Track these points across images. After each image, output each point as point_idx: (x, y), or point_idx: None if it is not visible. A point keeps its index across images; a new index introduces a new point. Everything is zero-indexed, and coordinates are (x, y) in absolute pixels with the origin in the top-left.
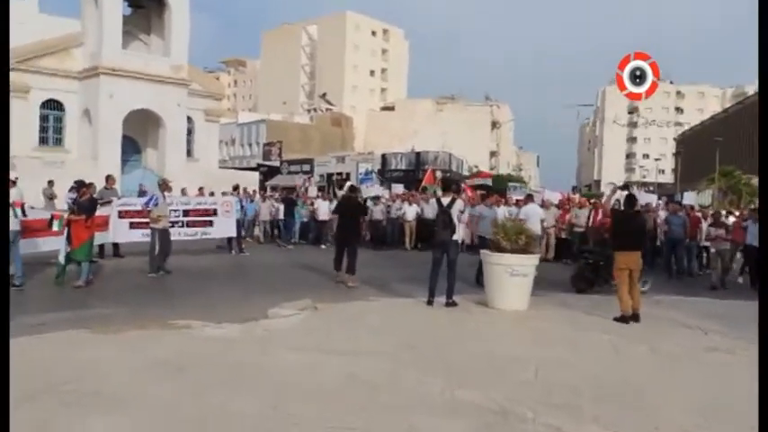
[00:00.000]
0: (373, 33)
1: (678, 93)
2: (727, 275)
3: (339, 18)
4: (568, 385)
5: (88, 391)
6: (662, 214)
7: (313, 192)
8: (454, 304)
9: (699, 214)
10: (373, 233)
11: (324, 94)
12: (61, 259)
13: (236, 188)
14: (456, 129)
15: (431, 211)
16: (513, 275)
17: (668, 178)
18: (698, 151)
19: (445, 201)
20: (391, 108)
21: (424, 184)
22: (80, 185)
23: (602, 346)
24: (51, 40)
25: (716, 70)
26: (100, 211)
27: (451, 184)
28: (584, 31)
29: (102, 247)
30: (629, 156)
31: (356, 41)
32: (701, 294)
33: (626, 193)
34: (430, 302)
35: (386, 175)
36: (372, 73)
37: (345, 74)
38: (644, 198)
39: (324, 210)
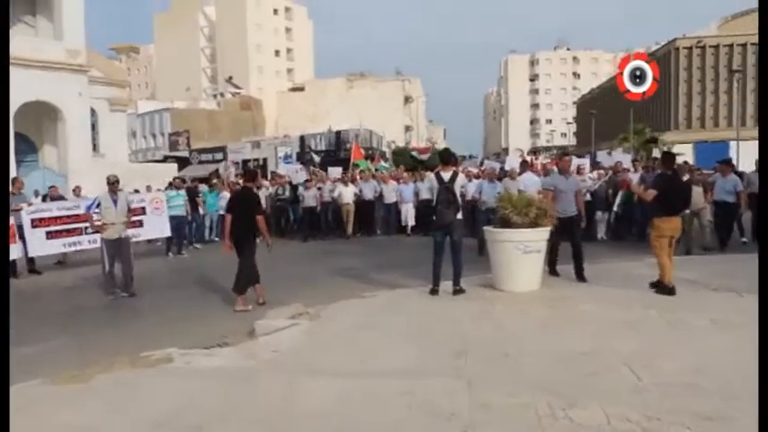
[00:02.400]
0: (275, 11)
1: (574, 58)
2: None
3: None
4: (684, 385)
5: None
6: (632, 176)
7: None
8: (462, 291)
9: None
10: (308, 221)
11: (230, 78)
12: None
13: (173, 181)
14: (369, 105)
15: (426, 190)
16: (526, 252)
17: (571, 141)
18: (599, 113)
19: (446, 175)
20: (301, 88)
21: (353, 160)
22: None
23: (662, 325)
24: None
25: (607, 35)
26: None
27: (451, 156)
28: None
29: (13, 263)
30: (533, 122)
31: (258, 20)
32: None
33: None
34: (434, 291)
35: (306, 157)
36: (278, 53)
37: (249, 55)
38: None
39: None
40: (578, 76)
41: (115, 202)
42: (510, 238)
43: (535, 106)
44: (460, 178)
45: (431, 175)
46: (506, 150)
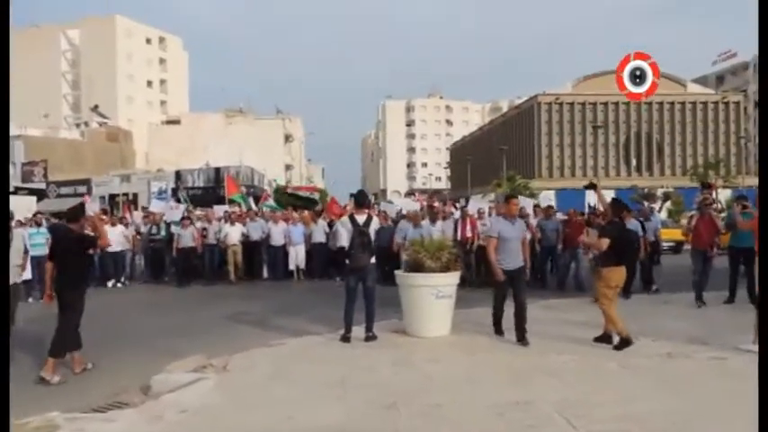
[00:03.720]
0: (148, 41)
1: (447, 107)
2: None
3: (107, 23)
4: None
5: None
6: (533, 220)
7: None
8: (374, 337)
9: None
10: (185, 265)
11: (95, 107)
12: None
13: (34, 216)
14: (249, 143)
15: (320, 233)
16: (439, 297)
17: (447, 185)
18: (473, 159)
19: (361, 219)
20: (177, 122)
21: (228, 196)
22: None
23: (577, 369)
24: None
25: (475, 87)
26: None
27: (365, 198)
28: (367, 47)
29: None
30: (410, 165)
31: (129, 49)
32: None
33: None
34: (346, 338)
35: (179, 194)
36: (150, 84)
37: (118, 84)
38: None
39: (115, 238)
40: (451, 123)
41: (13, 238)
42: (424, 282)
43: (411, 150)
44: (375, 222)
45: (344, 219)
46: (384, 192)
